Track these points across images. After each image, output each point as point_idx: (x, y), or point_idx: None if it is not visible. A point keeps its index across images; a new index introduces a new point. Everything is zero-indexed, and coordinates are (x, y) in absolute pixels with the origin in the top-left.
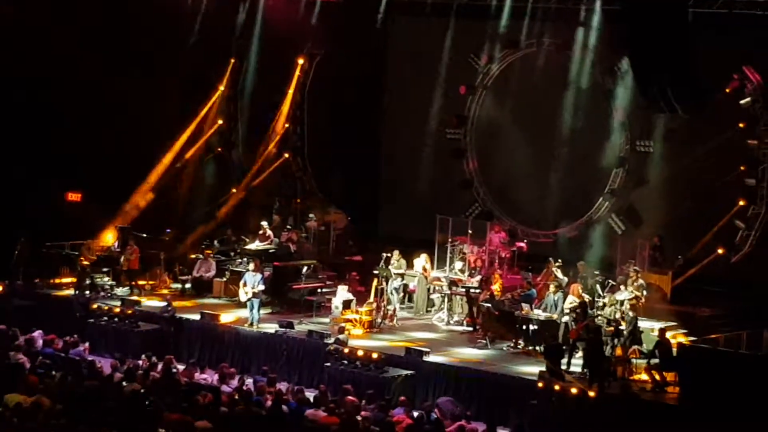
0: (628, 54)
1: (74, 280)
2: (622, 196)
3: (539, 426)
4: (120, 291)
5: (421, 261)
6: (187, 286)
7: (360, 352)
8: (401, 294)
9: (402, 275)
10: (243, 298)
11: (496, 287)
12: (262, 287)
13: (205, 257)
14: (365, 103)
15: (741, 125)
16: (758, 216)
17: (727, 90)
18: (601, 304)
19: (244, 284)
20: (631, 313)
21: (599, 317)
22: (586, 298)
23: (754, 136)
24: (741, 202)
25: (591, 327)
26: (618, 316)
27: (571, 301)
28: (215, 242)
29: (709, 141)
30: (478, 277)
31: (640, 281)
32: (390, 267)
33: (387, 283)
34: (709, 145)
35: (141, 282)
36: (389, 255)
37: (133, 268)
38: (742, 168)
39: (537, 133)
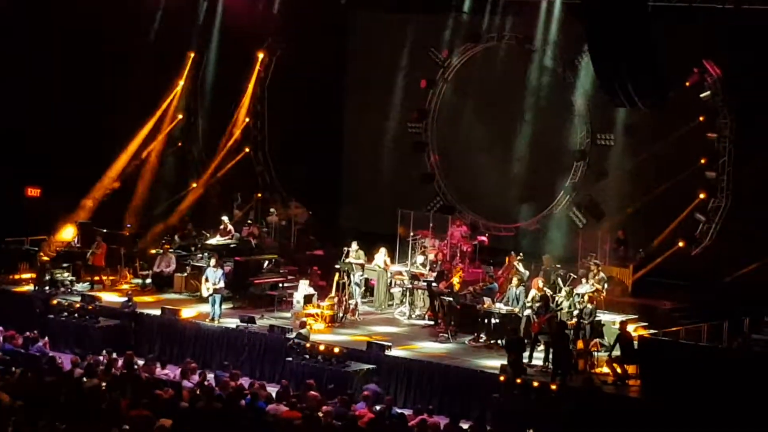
0: (588, 48)
1: (34, 275)
2: (584, 189)
3: (501, 419)
4: (80, 286)
5: (381, 255)
6: (148, 281)
7: (322, 347)
8: (363, 288)
9: (362, 266)
10: (205, 293)
11: (455, 280)
12: (222, 284)
13: (165, 252)
14: (326, 98)
15: (701, 118)
16: (718, 209)
17: (687, 83)
18: (561, 297)
19: (206, 279)
20: (589, 306)
21: (561, 311)
22: (548, 292)
23: (714, 129)
24: (701, 195)
25: (555, 321)
26: (578, 309)
27: (534, 295)
28: (176, 237)
29: (669, 134)
30: (440, 271)
31: (601, 274)
32: (349, 259)
33: (348, 278)
34: (669, 138)
35: (102, 277)
36: (348, 249)
37: (98, 264)
38: (702, 161)
39: (498, 127)
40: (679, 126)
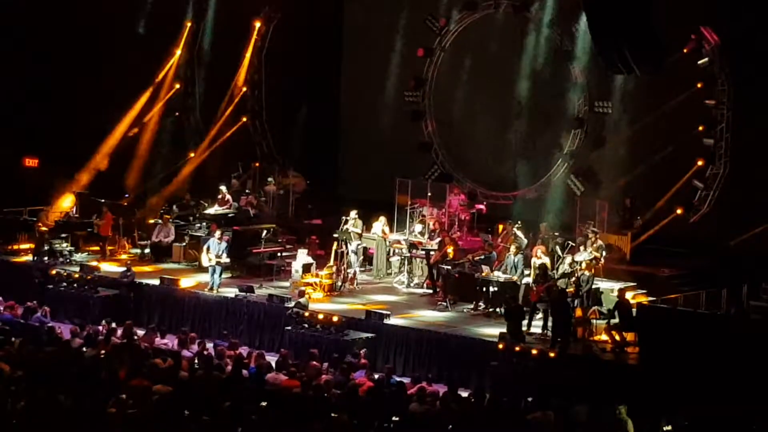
0: (586, 15)
1: (33, 246)
2: (581, 157)
3: (500, 387)
4: (79, 256)
5: (380, 224)
6: (146, 251)
7: (321, 316)
8: (361, 257)
9: (360, 235)
10: (206, 263)
11: (449, 249)
12: (225, 257)
13: (163, 222)
14: (323, 66)
15: (699, 85)
16: (716, 176)
17: (685, 50)
18: (560, 265)
19: (208, 250)
20: (587, 273)
21: (560, 279)
22: (546, 260)
23: (712, 96)
24: (699, 162)
25: (554, 289)
26: (575, 276)
27: (534, 262)
28: (174, 207)
29: (667, 101)
30: (438, 240)
31: (599, 242)
32: (347, 226)
33: (347, 246)
34: (667, 105)
35: (106, 248)
36: (347, 218)
37: (104, 233)
38: (700, 128)
39: (495, 95)
40: (676, 93)
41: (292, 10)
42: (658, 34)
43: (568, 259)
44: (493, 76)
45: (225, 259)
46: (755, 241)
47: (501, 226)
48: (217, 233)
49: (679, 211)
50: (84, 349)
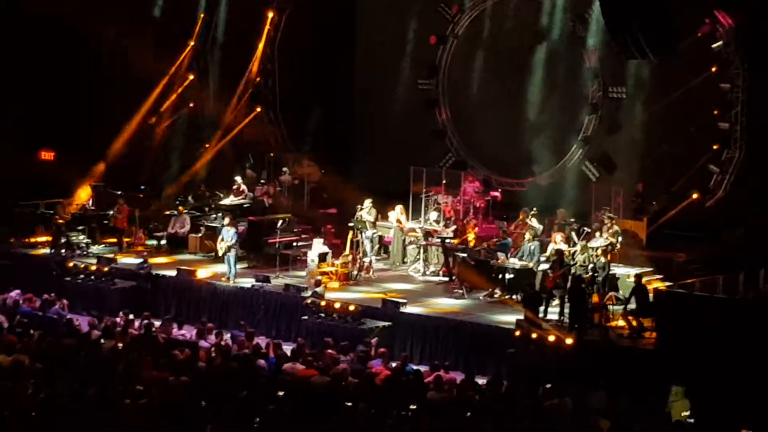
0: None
1: (50, 238)
2: (596, 143)
3: (517, 374)
4: (96, 249)
5: (396, 213)
6: (163, 242)
7: (337, 305)
8: (376, 245)
9: (374, 223)
10: (221, 253)
11: (470, 237)
12: (233, 241)
13: (179, 213)
14: (336, 56)
15: (713, 69)
16: (732, 160)
17: (699, 34)
18: (575, 251)
19: (221, 239)
20: (602, 259)
21: (575, 265)
22: (563, 246)
23: (727, 79)
24: (715, 147)
25: (570, 276)
26: (592, 263)
27: (551, 249)
28: (189, 198)
29: (681, 86)
30: (453, 227)
31: (615, 228)
32: (362, 214)
33: (362, 235)
34: (681, 89)
35: (123, 240)
36: (361, 206)
37: (120, 226)
38: (715, 112)
39: (509, 82)
40: (691, 77)
41: (304, 0)
42: (671, 18)
43: (581, 245)
44: (506, 63)
45: (231, 242)
46: None
47: (522, 215)
48: (227, 220)
49: (695, 196)
50: (102, 340)
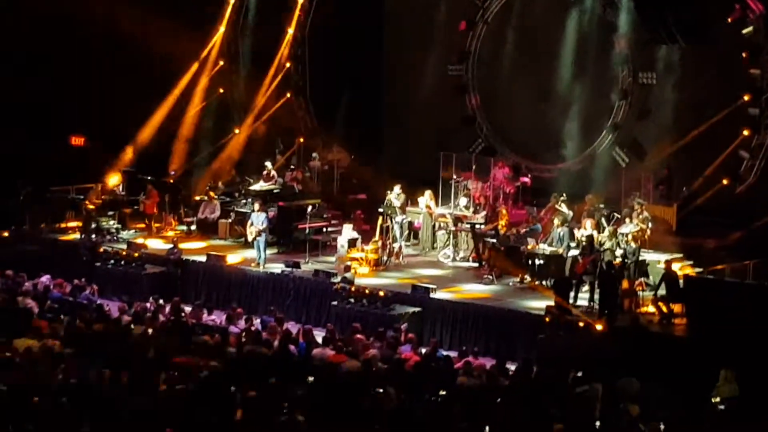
0: None
1: (80, 224)
2: (626, 128)
3: (547, 360)
4: (126, 234)
5: (425, 198)
6: (193, 227)
7: (367, 290)
8: (406, 231)
9: (403, 209)
10: (250, 238)
11: (501, 222)
12: (263, 225)
13: (209, 199)
14: (366, 41)
15: (744, 55)
16: (762, 146)
17: (729, 20)
18: (605, 237)
19: (251, 224)
20: (633, 245)
21: (605, 251)
22: (593, 232)
23: (757, 65)
24: (745, 132)
25: (601, 261)
26: (622, 249)
27: (581, 234)
28: (219, 183)
29: (711, 71)
30: (483, 213)
31: (645, 214)
32: (391, 198)
33: (392, 221)
34: (711, 75)
35: (153, 225)
36: (391, 192)
37: (149, 211)
38: (745, 98)
39: (539, 68)
40: (721, 63)
41: None
42: (702, 4)
43: (611, 231)
44: (536, 48)
45: (262, 227)
46: None
47: (552, 201)
48: (257, 205)
49: (725, 182)
50: (132, 326)
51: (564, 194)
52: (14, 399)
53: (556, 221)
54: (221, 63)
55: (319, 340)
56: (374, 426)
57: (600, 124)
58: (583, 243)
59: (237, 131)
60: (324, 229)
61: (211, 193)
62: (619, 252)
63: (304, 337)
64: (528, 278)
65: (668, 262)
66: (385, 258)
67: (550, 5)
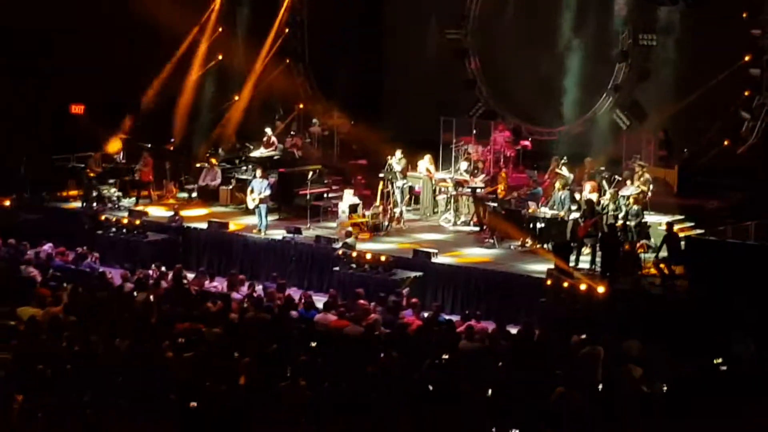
0: None
1: (81, 192)
2: (626, 90)
3: (549, 323)
4: (127, 202)
5: (425, 163)
6: (194, 195)
7: (368, 256)
8: (407, 196)
9: (404, 174)
10: (251, 205)
11: (500, 187)
12: (268, 192)
13: (210, 166)
14: (364, 6)
15: (744, 15)
16: (763, 106)
17: None
18: (606, 200)
19: (251, 191)
20: (635, 207)
21: (606, 213)
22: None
23: (758, 25)
24: (746, 93)
25: (606, 225)
26: (623, 211)
27: (583, 196)
28: (219, 150)
29: (711, 32)
30: (482, 176)
31: (646, 176)
32: (392, 163)
33: (392, 186)
34: (712, 36)
35: (152, 192)
36: (392, 157)
37: (145, 179)
38: (746, 58)
39: (539, 30)
40: (721, 23)
41: None
42: None
43: (612, 194)
44: (535, 11)
45: (265, 193)
46: None
47: (552, 164)
48: (259, 172)
49: (726, 143)
50: (135, 293)
51: (564, 157)
52: (19, 367)
53: (558, 184)
54: (219, 29)
55: (321, 306)
56: (377, 391)
57: (600, 87)
58: (584, 206)
59: (236, 98)
60: (325, 195)
61: (212, 160)
62: (620, 214)
63: (305, 303)
64: (529, 242)
65: (669, 224)
66: (386, 223)
67: None
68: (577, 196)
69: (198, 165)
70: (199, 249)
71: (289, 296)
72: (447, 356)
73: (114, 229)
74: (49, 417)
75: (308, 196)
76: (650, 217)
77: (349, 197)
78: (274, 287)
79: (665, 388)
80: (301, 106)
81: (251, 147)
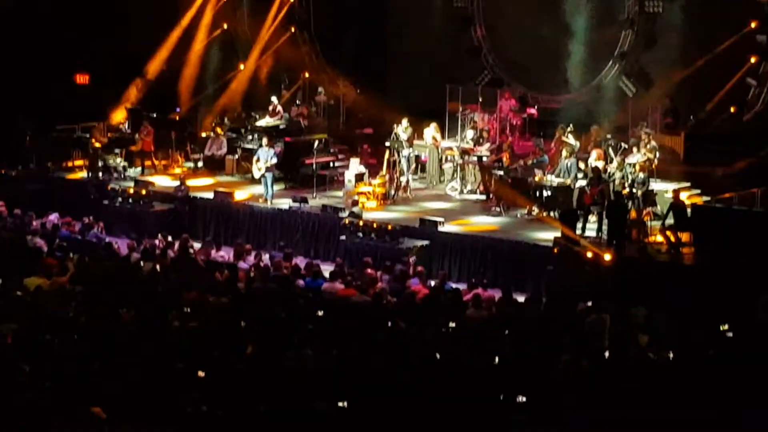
0: None
1: (87, 162)
2: (632, 58)
3: (556, 291)
4: (133, 172)
5: (431, 131)
6: (199, 164)
7: (375, 225)
8: (413, 164)
9: (410, 142)
10: (257, 174)
11: (505, 155)
12: (274, 161)
13: (215, 135)
14: None
15: None
16: None
17: None
18: (612, 168)
19: (257, 160)
20: (641, 175)
21: (613, 181)
22: (599, 163)
23: None
24: (752, 59)
25: (612, 192)
26: (630, 178)
27: (597, 164)
28: (225, 119)
29: None
30: (487, 145)
31: (653, 143)
32: (398, 132)
33: (399, 155)
34: (718, 2)
35: (154, 162)
36: (398, 125)
37: (147, 149)
38: (752, 24)
39: None
40: None
41: None
42: None
43: (618, 161)
44: None
45: (272, 162)
46: None
47: (558, 132)
48: (265, 140)
49: (732, 110)
50: (141, 263)
51: (570, 125)
52: (26, 338)
53: (564, 152)
54: None
55: (327, 275)
56: (385, 359)
57: (606, 54)
58: (591, 174)
59: (242, 67)
60: (331, 164)
61: (218, 129)
62: (627, 182)
63: (312, 272)
64: (536, 210)
65: (676, 191)
66: (392, 192)
67: None
68: (583, 164)
69: (204, 134)
70: (205, 219)
71: (295, 265)
72: (453, 324)
73: (120, 199)
74: (57, 387)
75: (314, 166)
76: (656, 185)
77: (355, 166)
78: (280, 256)
79: (671, 355)
80: (307, 75)
81: (257, 116)
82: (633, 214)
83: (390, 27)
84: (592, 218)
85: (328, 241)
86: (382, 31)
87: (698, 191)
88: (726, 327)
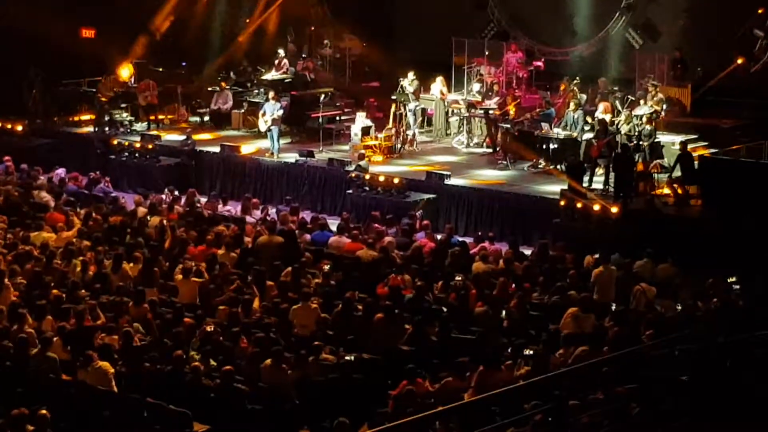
0: None
1: (93, 117)
2: (639, 9)
3: (562, 244)
4: (139, 126)
5: (438, 85)
6: (206, 118)
7: (381, 178)
8: (419, 118)
9: (416, 95)
10: (263, 127)
11: (511, 108)
12: (281, 112)
13: (221, 89)
14: None
15: None
16: None
17: None
18: (619, 120)
19: (263, 114)
20: (648, 127)
21: (620, 133)
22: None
23: None
24: (759, 11)
25: (619, 145)
26: (637, 131)
27: (597, 116)
28: (231, 74)
29: None
30: (496, 99)
31: (659, 95)
32: (404, 85)
33: (405, 108)
34: None
35: (160, 116)
36: (404, 79)
37: (152, 102)
38: None
39: None
40: None
41: None
42: None
43: (625, 114)
44: None
45: (278, 114)
46: None
47: (563, 85)
48: (271, 94)
49: (739, 61)
50: (148, 217)
51: (577, 78)
52: (33, 292)
53: (571, 105)
54: None
55: (334, 228)
56: (394, 312)
57: (613, 6)
58: (597, 126)
59: (248, 21)
60: (337, 118)
61: (223, 84)
62: (634, 134)
63: (319, 225)
64: (542, 163)
65: (683, 144)
66: (399, 145)
67: None
68: (589, 118)
69: (209, 89)
70: (211, 173)
71: (302, 219)
72: (460, 278)
73: (126, 154)
74: (65, 342)
75: (320, 119)
76: (663, 137)
77: (361, 120)
78: (287, 210)
79: (679, 307)
80: (313, 28)
81: (263, 70)
82: (640, 166)
83: None
84: (599, 171)
85: (334, 195)
86: None
87: (705, 143)
88: (733, 279)
